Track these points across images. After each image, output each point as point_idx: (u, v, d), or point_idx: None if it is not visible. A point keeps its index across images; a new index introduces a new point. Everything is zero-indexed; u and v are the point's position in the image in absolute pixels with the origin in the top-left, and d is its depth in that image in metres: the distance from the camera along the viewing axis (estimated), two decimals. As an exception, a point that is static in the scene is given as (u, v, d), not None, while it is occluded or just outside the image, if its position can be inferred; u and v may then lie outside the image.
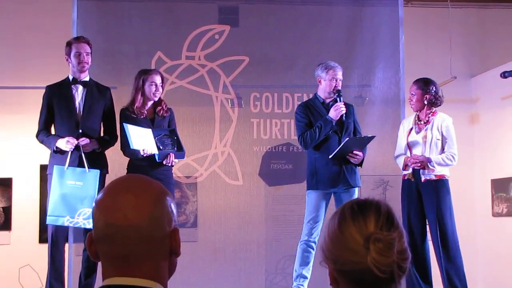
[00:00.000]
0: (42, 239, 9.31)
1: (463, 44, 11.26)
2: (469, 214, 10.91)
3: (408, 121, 6.33)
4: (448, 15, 10.74)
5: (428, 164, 5.91)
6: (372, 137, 6.41)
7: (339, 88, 6.43)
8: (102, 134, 6.05)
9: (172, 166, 6.22)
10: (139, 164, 6.01)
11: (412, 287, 6.00)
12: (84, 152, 5.69)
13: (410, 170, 6.06)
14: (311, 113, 6.41)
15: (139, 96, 6.08)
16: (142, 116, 6.09)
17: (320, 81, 6.50)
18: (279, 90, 8.40)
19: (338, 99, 6.34)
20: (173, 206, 1.82)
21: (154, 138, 5.93)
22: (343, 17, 8.59)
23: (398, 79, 8.19)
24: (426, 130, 6.06)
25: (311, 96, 7.64)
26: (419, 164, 5.94)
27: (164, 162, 6.06)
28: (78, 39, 6.02)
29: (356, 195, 6.36)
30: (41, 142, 5.89)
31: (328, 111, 6.33)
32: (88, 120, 5.84)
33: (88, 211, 5.55)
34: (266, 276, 8.12)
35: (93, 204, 1.82)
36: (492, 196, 11.04)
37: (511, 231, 10.47)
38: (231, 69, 8.40)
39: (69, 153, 5.67)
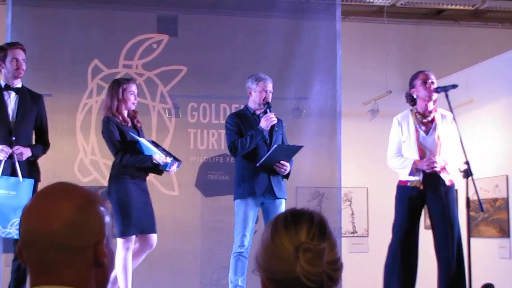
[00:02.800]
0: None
1: (398, 59, 11.41)
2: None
3: (404, 119, 5.94)
4: (384, 30, 10.90)
5: (446, 167, 5.67)
6: (300, 147, 6.37)
7: (269, 99, 6.40)
8: (33, 142, 5.93)
9: (170, 173, 6.22)
10: (137, 174, 5.92)
11: None
12: (18, 161, 5.59)
13: (420, 177, 5.69)
14: (242, 123, 6.38)
15: (121, 105, 5.99)
16: (129, 125, 6.03)
17: (250, 93, 6.46)
18: (216, 100, 8.39)
19: (268, 110, 6.32)
20: (103, 215, 1.76)
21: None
22: (281, 30, 8.63)
23: (335, 92, 8.27)
24: (435, 129, 5.77)
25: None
26: (439, 169, 5.62)
27: (169, 171, 6.07)
28: (14, 45, 5.89)
29: (283, 207, 6.29)
30: None
31: (258, 122, 6.32)
32: (21, 127, 5.73)
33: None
34: (201, 287, 8.09)
35: (21, 211, 1.79)
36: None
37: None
38: (169, 79, 8.35)
39: (2, 161, 5.56)
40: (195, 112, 8.38)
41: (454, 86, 5.73)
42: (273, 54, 8.50)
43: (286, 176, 6.37)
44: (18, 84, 5.80)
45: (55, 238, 1.69)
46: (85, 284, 1.72)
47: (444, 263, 5.75)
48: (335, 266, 1.75)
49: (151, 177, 7.82)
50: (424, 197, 5.77)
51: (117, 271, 5.81)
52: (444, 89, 5.69)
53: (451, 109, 5.66)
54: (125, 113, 6.04)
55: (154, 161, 5.93)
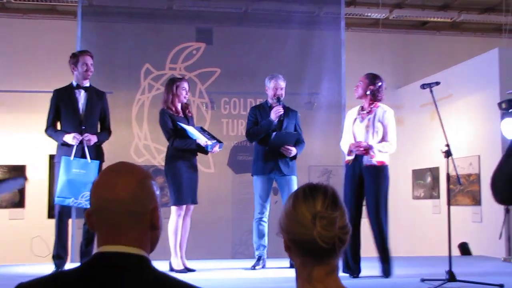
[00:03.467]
0: (50, 215, 9.19)
1: (391, 62, 11.35)
2: (395, 197, 10.99)
3: (353, 112, 5.82)
4: (379, 39, 10.82)
5: (370, 150, 5.46)
6: (295, 134, 6.25)
7: (280, 95, 6.29)
8: (99, 130, 5.95)
9: (213, 152, 6.18)
10: (185, 155, 5.92)
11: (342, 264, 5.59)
12: (87, 146, 5.62)
13: (353, 156, 5.56)
14: (259, 114, 6.32)
15: (175, 99, 6.00)
16: (180, 115, 6.03)
17: (267, 89, 6.40)
18: (244, 96, 8.38)
19: (278, 103, 6.25)
20: (155, 188, 1.77)
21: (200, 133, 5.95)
22: (296, 39, 8.59)
23: (340, 89, 8.21)
24: (369, 119, 5.60)
25: (269, 101, 7.63)
26: (363, 150, 5.49)
27: (211, 152, 6.06)
28: (84, 52, 5.90)
29: (293, 182, 6.22)
30: (50, 136, 5.78)
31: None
32: (89, 119, 5.74)
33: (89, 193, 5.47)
34: (232, 247, 8.11)
35: (92, 184, 1.79)
36: (412, 183, 11.15)
37: (426, 210, 10.59)
38: (206, 79, 8.35)
39: (75, 146, 5.58)
40: (227, 105, 8.37)
41: (437, 83, 5.69)
42: (290, 58, 8.45)
43: (293, 158, 6.25)
44: (86, 83, 5.83)
45: (122, 205, 1.70)
46: (144, 245, 1.73)
47: (371, 225, 5.62)
48: (345, 230, 1.75)
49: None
50: (360, 173, 5.60)
51: (169, 233, 5.83)
52: (429, 86, 5.65)
53: (434, 101, 5.59)
54: (178, 105, 6.04)
55: (198, 144, 5.92)
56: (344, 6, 8.75)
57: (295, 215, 1.75)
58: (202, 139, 5.91)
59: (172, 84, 6.05)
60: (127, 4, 8.51)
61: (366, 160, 5.57)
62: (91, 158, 5.62)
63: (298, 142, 6.32)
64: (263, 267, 6.16)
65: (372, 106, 5.72)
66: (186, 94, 6.10)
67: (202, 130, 6.02)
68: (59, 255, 5.67)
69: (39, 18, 10.54)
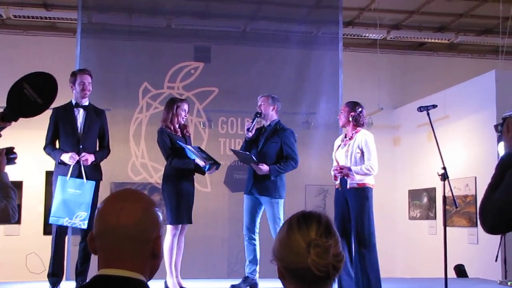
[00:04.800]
0: (46, 232, 9.17)
1: (388, 82, 11.40)
2: (391, 217, 11.01)
3: (338, 139, 6.05)
4: (377, 59, 10.87)
5: (348, 173, 5.61)
6: (249, 155, 6.00)
7: (258, 110, 6.19)
8: (97, 148, 5.94)
9: (210, 173, 6.21)
10: (177, 175, 5.91)
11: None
12: (84, 165, 5.61)
13: (338, 181, 5.75)
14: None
15: (175, 118, 6.02)
16: (178, 134, 6.04)
17: None
18: (242, 115, 8.36)
19: (252, 119, 6.16)
20: (159, 216, 1.79)
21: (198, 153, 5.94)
22: (294, 58, 8.61)
23: (337, 109, 8.20)
24: (349, 145, 5.77)
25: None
26: (341, 173, 5.66)
27: (208, 172, 6.06)
28: (82, 71, 5.90)
29: (273, 205, 6.01)
30: (48, 154, 5.77)
31: (259, 132, 6.24)
32: (87, 137, 5.73)
33: (84, 214, 5.45)
34: (227, 265, 8.07)
35: (97, 209, 1.80)
36: (408, 203, 11.15)
37: (422, 231, 10.58)
38: (204, 98, 8.35)
39: (71, 166, 5.58)
40: (224, 124, 8.37)
41: (434, 106, 5.78)
42: (288, 77, 8.47)
43: (269, 177, 6.00)
44: (85, 102, 5.82)
45: (128, 231, 1.72)
46: (144, 272, 1.75)
47: (357, 247, 5.68)
48: (339, 258, 1.75)
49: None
50: (344, 195, 5.75)
51: (164, 252, 5.80)
52: (426, 108, 5.72)
53: (431, 124, 5.63)
54: (177, 125, 6.05)
55: (196, 164, 5.93)
56: (342, 26, 8.80)
57: (289, 243, 1.75)
58: (200, 160, 5.92)
59: (173, 104, 6.07)
60: (126, 22, 8.54)
61: (348, 183, 5.71)
62: (88, 177, 5.60)
63: (285, 160, 6.12)
64: None
65: (353, 132, 5.86)
66: (185, 115, 6.12)
67: (199, 150, 6.02)
68: (55, 273, 5.65)
69: (39, 35, 10.59)
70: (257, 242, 6.14)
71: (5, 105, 3.49)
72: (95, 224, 1.76)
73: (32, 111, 3.47)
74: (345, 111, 5.91)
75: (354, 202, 5.67)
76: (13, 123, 3.37)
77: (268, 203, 6.03)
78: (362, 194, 5.70)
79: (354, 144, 5.80)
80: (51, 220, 5.52)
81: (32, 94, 3.43)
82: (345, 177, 5.70)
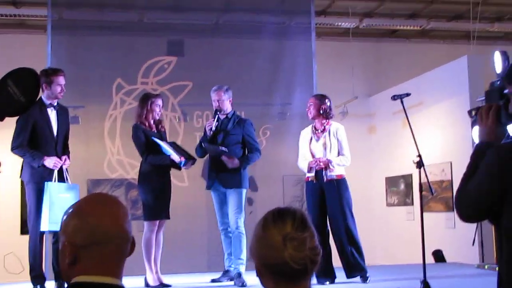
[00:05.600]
0: (24, 231, 9.08)
1: (362, 71, 11.45)
2: (369, 205, 11.09)
3: (306, 132, 6.09)
4: (350, 48, 10.92)
5: (330, 165, 5.73)
6: (221, 149, 5.94)
7: (216, 107, 6.13)
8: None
9: (187, 169, 6.16)
10: (153, 171, 5.88)
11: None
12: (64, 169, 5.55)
13: (313, 173, 5.82)
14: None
15: (149, 114, 5.98)
16: (153, 130, 6.00)
17: None
18: (217, 108, 8.34)
19: (214, 116, 6.13)
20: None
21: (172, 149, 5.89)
22: (268, 49, 8.60)
23: (312, 99, 8.24)
24: (324, 137, 5.87)
25: (243, 112, 7.61)
26: (323, 166, 5.75)
27: (184, 168, 6.03)
28: (59, 72, 5.73)
29: (233, 196, 5.97)
30: (22, 155, 5.56)
31: (220, 125, 6.15)
32: (60, 139, 5.64)
33: None
34: (208, 259, 8.06)
35: (72, 212, 1.76)
36: (386, 190, 11.24)
37: (399, 216, 10.68)
38: (178, 92, 8.30)
39: (55, 170, 5.49)
40: (199, 118, 8.33)
41: (408, 95, 5.84)
42: (262, 69, 8.47)
43: (238, 169, 5.96)
44: (55, 102, 5.71)
45: (127, 234, 1.75)
46: (120, 275, 1.75)
47: (336, 237, 5.86)
48: (316, 251, 1.76)
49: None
50: (321, 188, 5.85)
51: (143, 249, 5.79)
52: (400, 97, 5.76)
53: (405, 112, 5.67)
54: (151, 120, 6.01)
55: (171, 159, 5.90)
56: (314, 16, 8.81)
57: (265, 239, 1.76)
58: (175, 155, 5.89)
59: (147, 99, 6.04)
60: (98, 17, 8.45)
61: (326, 175, 5.79)
62: (66, 180, 5.55)
63: (250, 151, 6.13)
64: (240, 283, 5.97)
65: (325, 125, 5.95)
66: (160, 110, 6.09)
67: (175, 145, 6.00)
68: (41, 275, 5.60)
69: (8, 33, 10.44)
70: (230, 234, 6.10)
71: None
72: (83, 232, 1.70)
73: (16, 110, 3.38)
74: (315, 104, 5.98)
75: (336, 194, 5.76)
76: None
77: (232, 193, 5.98)
78: (343, 185, 5.83)
79: (330, 136, 5.89)
80: (50, 226, 5.32)
81: (15, 92, 3.35)
82: (323, 170, 5.77)
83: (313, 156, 5.90)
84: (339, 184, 5.81)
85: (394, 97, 5.83)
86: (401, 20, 11.13)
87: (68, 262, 1.71)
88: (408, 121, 5.61)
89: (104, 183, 8.13)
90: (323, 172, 5.80)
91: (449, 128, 9.33)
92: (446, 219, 9.28)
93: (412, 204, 10.28)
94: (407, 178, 10.37)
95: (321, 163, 5.78)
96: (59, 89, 5.60)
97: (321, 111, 5.93)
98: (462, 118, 8.53)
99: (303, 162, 5.99)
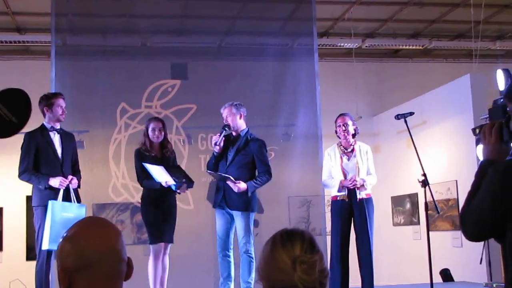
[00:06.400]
0: (29, 257, 9.07)
1: (365, 90, 11.47)
2: (375, 224, 11.02)
3: (332, 151, 6.08)
4: (353, 68, 10.95)
5: (364, 184, 5.84)
6: (226, 176, 5.77)
7: (225, 123, 5.96)
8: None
9: (183, 192, 6.11)
10: (154, 195, 5.90)
11: None
12: (72, 188, 5.55)
13: (345, 192, 5.87)
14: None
15: (146, 139, 6.01)
16: (153, 154, 5.99)
17: None
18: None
19: (220, 132, 5.92)
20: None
21: (168, 172, 5.86)
22: (271, 71, 8.61)
23: (316, 120, 8.23)
24: (355, 157, 5.96)
25: (247, 136, 7.61)
26: (358, 185, 5.82)
27: (179, 191, 5.98)
28: (58, 95, 5.81)
29: (238, 218, 5.81)
30: (28, 180, 5.61)
31: (230, 142, 5.99)
32: (66, 161, 5.68)
33: None
34: (214, 282, 8.01)
35: (64, 239, 1.75)
36: (392, 209, 11.20)
37: (406, 236, 10.63)
38: (182, 115, 8.33)
39: (61, 190, 5.51)
40: (204, 141, 8.34)
41: (411, 114, 5.90)
42: (265, 90, 8.47)
43: (246, 192, 5.75)
44: (58, 126, 5.76)
45: (119, 254, 1.74)
46: None
47: (364, 255, 5.95)
48: (324, 274, 1.76)
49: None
50: (351, 207, 5.91)
51: (148, 272, 5.77)
52: (403, 116, 5.82)
53: (409, 131, 5.71)
54: (150, 144, 6.02)
55: (162, 184, 5.83)
56: (316, 37, 8.83)
57: (274, 261, 1.75)
58: (162, 179, 5.82)
59: (145, 123, 6.11)
60: (101, 42, 8.50)
61: (359, 194, 5.88)
62: (77, 200, 5.56)
63: (259, 174, 5.91)
64: None
65: (352, 144, 6.03)
66: (156, 133, 6.02)
67: (175, 169, 5.96)
68: None
69: (13, 59, 10.52)
70: (231, 259, 5.95)
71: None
72: (73, 256, 1.69)
73: (8, 132, 3.36)
74: (351, 124, 6.04)
75: (364, 213, 5.85)
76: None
77: (240, 216, 5.80)
78: (371, 204, 5.95)
79: (361, 156, 5.99)
80: (51, 245, 5.35)
81: (6, 113, 3.32)
82: (356, 189, 5.85)
83: (345, 175, 5.95)
84: (368, 203, 5.91)
85: (397, 117, 5.86)
86: (403, 39, 11.19)
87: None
88: (412, 140, 5.62)
89: (109, 207, 8.13)
90: (356, 191, 5.86)
91: (454, 146, 9.32)
92: (453, 237, 9.23)
93: (419, 223, 10.23)
94: (413, 197, 10.34)
95: (356, 183, 5.85)
96: (60, 110, 5.65)
97: (354, 131, 6.05)
98: (466, 136, 8.53)
99: (331, 180, 6.05)
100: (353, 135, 6.03)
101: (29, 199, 7.99)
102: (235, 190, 5.72)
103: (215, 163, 5.97)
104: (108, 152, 8.06)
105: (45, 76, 7.96)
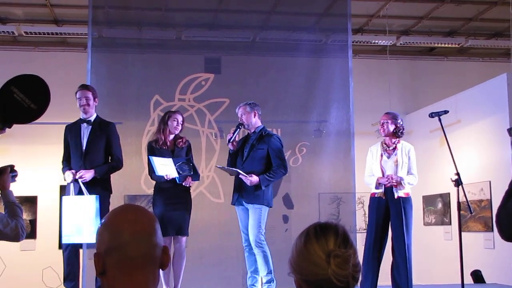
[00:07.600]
0: (61, 246, 9.20)
1: (399, 88, 11.37)
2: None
3: (375, 148, 6.13)
4: (387, 65, 10.86)
5: (402, 182, 5.83)
6: (235, 170, 5.83)
7: (240, 121, 6.05)
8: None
9: (190, 186, 6.12)
10: (164, 186, 5.95)
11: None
12: (85, 182, 5.58)
13: (382, 189, 5.88)
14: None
15: (160, 132, 6.04)
16: (165, 147, 6.03)
17: None
18: (253, 125, 8.37)
19: (235, 130, 6.01)
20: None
21: (175, 165, 5.88)
22: (305, 67, 8.59)
23: (348, 116, 8.20)
24: (395, 155, 5.95)
25: (279, 130, 7.62)
26: (395, 183, 5.82)
27: (183, 184, 5.98)
28: (80, 87, 5.89)
29: (253, 212, 5.83)
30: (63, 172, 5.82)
31: (245, 140, 6.11)
32: (90, 154, 5.67)
33: (92, 229, 5.39)
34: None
35: (100, 224, 1.76)
36: (423, 209, 11.09)
37: (437, 236, 10.51)
38: (215, 109, 8.36)
39: (71, 183, 5.58)
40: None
41: (446, 112, 5.83)
42: (298, 86, 8.47)
43: (259, 186, 5.79)
44: (90, 117, 5.78)
45: (151, 239, 1.73)
46: (153, 284, 1.75)
47: (398, 254, 5.94)
48: (357, 268, 1.75)
49: (202, 189, 7.87)
50: (387, 204, 5.90)
51: None
52: (438, 114, 5.76)
53: (443, 130, 5.64)
54: (170, 136, 6.04)
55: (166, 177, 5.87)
56: (351, 34, 8.78)
57: (307, 254, 1.74)
58: (163, 172, 5.85)
59: (165, 115, 6.15)
60: (136, 35, 8.57)
61: (396, 192, 5.86)
62: (90, 193, 5.56)
63: (273, 168, 5.88)
64: None
65: (396, 143, 6.02)
66: (178, 125, 6.04)
67: (183, 162, 5.97)
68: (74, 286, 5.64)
69: (50, 51, 10.68)
70: (252, 250, 5.97)
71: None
72: (107, 239, 1.71)
73: (26, 118, 3.38)
74: (390, 123, 6.02)
75: (402, 212, 5.82)
76: (26, 138, 3.31)
77: (252, 209, 5.84)
78: (409, 204, 5.93)
79: (402, 154, 5.97)
80: (64, 240, 5.49)
81: (24, 99, 3.34)
82: (393, 187, 5.84)
83: (383, 173, 5.96)
84: (406, 202, 5.88)
85: (432, 115, 5.80)
86: (439, 37, 11.04)
87: (97, 273, 1.72)
88: (446, 138, 5.55)
89: (141, 198, 8.20)
90: (393, 189, 5.86)
91: (488, 147, 9.19)
92: (485, 239, 9.10)
93: (450, 223, 10.11)
94: (445, 197, 10.22)
95: (394, 181, 5.84)
96: (79, 102, 5.74)
97: (394, 130, 6.01)
98: (501, 136, 8.41)
99: (370, 178, 6.07)
100: (395, 134, 6.01)
101: (62, 188, 8.13)
102: (247, 183, 5.78)
103: (232, 161, 6.06)
104: (141, 144, 8.12)
105: (81, 67, 8.06)
